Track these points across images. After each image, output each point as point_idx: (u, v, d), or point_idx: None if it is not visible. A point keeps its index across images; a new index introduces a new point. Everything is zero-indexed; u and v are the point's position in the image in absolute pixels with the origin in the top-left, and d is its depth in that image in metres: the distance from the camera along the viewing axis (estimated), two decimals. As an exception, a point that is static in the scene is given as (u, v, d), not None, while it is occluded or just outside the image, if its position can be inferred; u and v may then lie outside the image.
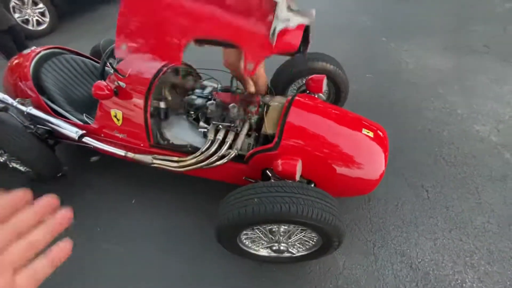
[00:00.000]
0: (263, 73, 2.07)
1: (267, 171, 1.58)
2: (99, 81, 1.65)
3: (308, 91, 1.99)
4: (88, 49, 2.69)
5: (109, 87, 1.65)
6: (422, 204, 1.84)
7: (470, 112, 2.45)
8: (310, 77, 1.92)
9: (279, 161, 1.40)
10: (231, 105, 1.57)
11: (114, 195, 2.08)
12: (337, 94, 2.18)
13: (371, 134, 1.57)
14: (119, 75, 1.67)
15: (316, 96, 1.93)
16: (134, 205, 2.02)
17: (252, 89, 2.05)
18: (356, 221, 1.78)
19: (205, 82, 2.00)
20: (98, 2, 5.24)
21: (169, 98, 1.83)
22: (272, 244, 1.42)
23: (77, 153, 2.42)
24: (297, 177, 1.36)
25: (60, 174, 2.22)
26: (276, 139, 1.53)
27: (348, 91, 2.18)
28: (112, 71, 1.61)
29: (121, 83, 1.68)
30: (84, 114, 2.01)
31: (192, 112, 1.75)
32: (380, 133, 1.61)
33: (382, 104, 2.62)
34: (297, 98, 1.70)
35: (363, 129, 1.58)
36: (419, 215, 1.78)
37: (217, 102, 1.64)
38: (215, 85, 1.95)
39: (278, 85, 2.18)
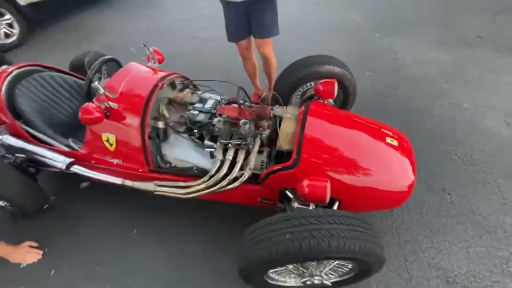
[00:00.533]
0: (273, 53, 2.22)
1: (287, 192, 1.42)
2: (86, 103, 1.43)
3: (316, 97, 1.85)
4: (64, 62, 2.43)
5: (99, 110, 1.44)
6: (447, 209, 1.74)
7: (477, 107, 2.39)
8: (319, 82, 1.78)
9: (305, 183, 1.24)
10: (242, 121, 1.40)
11: (112, 226, 1.86)
12: (345, 97, 2.06)
13: (395, 142, 1.45)
14: (109, 95, 1.46)
15: (326, 103, 1.80)
16: (135, 236, 1.81)
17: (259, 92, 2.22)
18: (382, 234, 1.66)
19: (205, 95, 1.82)
20: (72, 8, 4.86)
21: (167, 115, 1.64)
22: (305, 278, 1.27)
23: (64, 179, 2.17)
24: (327, 200, 1.21)
25: (46, 205, 1.97)
26: (294, 155, 1.37)
27: (357, 93, 2.06)
28: (101, 90, 1.40)
29: (112, 104, 1.47)
30: (70, 139, 1.77)
31: (196, 131, 1.56)
32: (404, 141, 1.49)
33: (387, 104, 2.53)
34: (312, 106, 1.56)
35: (387, 137, 1.46)
36: (446, 222, 1.68)
37: (224, 119, 1.47)
38: (218, 98, 1.78)
39: (280, 93, 2.01)
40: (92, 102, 1.50)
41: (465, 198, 1.79)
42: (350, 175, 1.36)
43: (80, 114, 1.41)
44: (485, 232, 1.63)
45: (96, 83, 1.39)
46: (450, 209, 1.74)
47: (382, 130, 1.51)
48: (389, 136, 1.47)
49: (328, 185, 1.22)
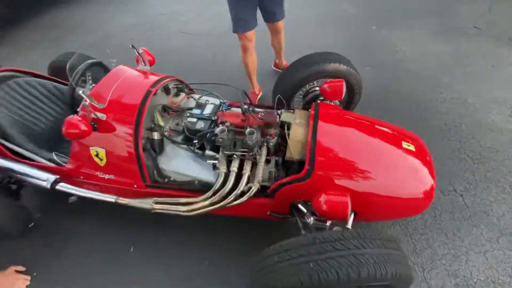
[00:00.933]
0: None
1: (299, 205, 1.31)
2: (70, 116, 1.27)
3: (321, 99, 1.73)
4: (41, 64, 2.21)
5: (85, 122, 1.28)
6: (461, 211, 1.68)
7: (481, 101, 2.34)
8: (325, 81, 1.66)
9: (323, 199, 1.14)
10: (249, 130, 1.27)
11: (107, 244, 1.71)
12: (350, 97, 1.94)
13: (412, 147, 1.35)
14: (96, 105, 1.29)
15: (333, 104, 1.69)
16: (133, 254, 1.67)
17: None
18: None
19: (202, 99, 1.67)
20: (49, 2, 4.47)
21: (162, 124, 1.49)
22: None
23: (50, 194, 1.97)
24: (348, 218, 1.11)
25: (31, 224, 1.79)
26: (306, 166, 1.26)
27: (362, 92, 1.95)
28: (86, 100, 1.23)
29: (100, 115, 1.31)
30: (53, 153, 1.59)
31: (196, 141, 1.42)
32: (420, 146, 1.40)
33: (390, 100, 2.44)
34: (321, 110, 1.44)
35: (403, 142, 1.36)
36: (461, 226, 1.62)
37: (228, 127, 1.33)
38: (216, 101, 1.63)
39: (281, 94, 1.87)
40: (77, 113, 1.33)
41: (478, 198, 1.73)
42: (366, 185, 1.26)
43: (63, 128, 1.24)
44: (501, 235, 1.57)
45: (81, 92, 1.22)
46: (464, 211, 1.68)
47: (397, 134, 1.42)
48: (405, 140, 1.37)
49: (349, 200, 1.12)
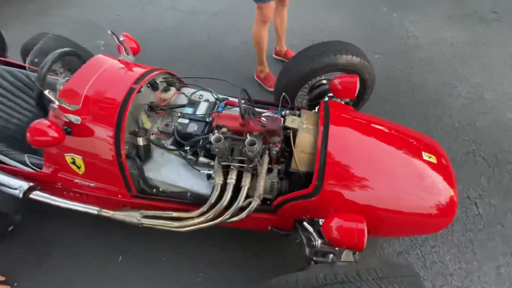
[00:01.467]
0: None
1: (305, 223, 1.17)
2: (37, 121, 1.07)
3: (330, 96, 1.54)
4: (19, 42, 1.93)
5: (55, 127, 1.08)
6: (474, 222, 1.57)
7: (498, 97, 2.17)
8: (336, 77, 1.46)
9: (335, 224, 0.99)
10: (249, 140, 1.10)
11: (93, 253, 1.58)
12: (361, 92, 1.74)
13: (433, 159, 1.20)
14: (67, 107, 1.09)
15: (344, 103, 1.51)
16: (121, 264, 1.55)
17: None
18: (405, 255, 1.48)
19: (195, 95, 1.46)
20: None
21: (149, 126, 1.30)
22: None
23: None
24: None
25: (11, 228, 1.65)
26: (315, 181, 1.10)
27: (374, 86, 1.76)
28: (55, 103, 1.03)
29: (74, 118, 1.11)
30: (25, 155, 1.40)
31: (188, 148, 1.24)
32: (442, 157, 1.24)
33: (401, 93, 2.26)
34: (332, 112, 1.25)
35: (423, 153, 1.20)
36: (474, 238, 1.52)
37: (225, 135, 1.15)
38: (211, 97, 1.44)
39: (284, 88, 1.66)
40: (48, 116, 1.13)
41: (492, 207, 1.62)
42: (382, 201, 1.12)
43: (28, 135, 1.05)
44: (516, 248, 1.48)
45: (47, 92, 1.01)
46: (477, 221, 1.57)
47: (417, 143, 1.25)
48: (426, 150, 1.22)
49: (365, 227, 0.97)
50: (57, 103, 1.03)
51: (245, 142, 1.09)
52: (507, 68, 2.38)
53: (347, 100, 1.58)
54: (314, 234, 1.12)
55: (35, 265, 1.56)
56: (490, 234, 1.53)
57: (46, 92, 1.00)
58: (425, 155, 1.20)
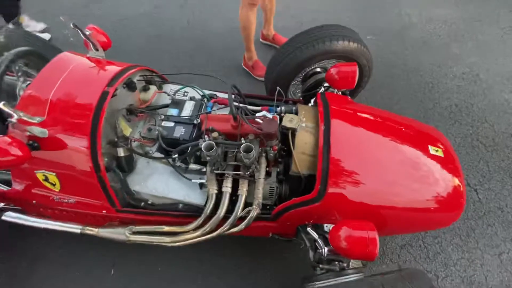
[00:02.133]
0: None
1: (309, 229, 1.09)
2: None
3: (326, 87, 1.43)
4: None
5: (18, 144, 0.93)
6: (475, 209, 1.55)
7: (493, 76, 2.12)
8: (334, 65, 1.35)
9: (343, 233, 0.91)
10: (244, 146, 0.98)
11: (82, 268, 1.47)
12: (358, 80, 1.62)
13: (440, 153, 1.13)
14: (29, 120, 0.93)
15: (341, 94, 1.40)
16: (114, 277, 1.45)
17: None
18: (408, 247, 1.45)
19: (178, 94, 1.32)
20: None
21: (129, 133, 1.16)
22: None
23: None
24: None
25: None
26: (318, 185, 1.01)
27: (372, 73, 1.65)
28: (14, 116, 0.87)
29: (38, 131, 0.95)
30: (-7, 170, 1.24)
31: (176, 156, 1.12)
32: (448, 150, 1.17)
33: (395, 77, 2.17)
34: (332, 107, 1.15)
35: (430, 147, 1.13)
36: (475, 225, 1.50)
37: (216, 140, 1.03)
38: (197, 95, 1.30)
39: (276, 80, 1.53)
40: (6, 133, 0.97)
41: (492, 193, 1.60)
42: (390, 199, 1.06)
43: None
44: (516, 233, 1.48)
45: (1, 104, 0.85)
46: (478, 208, 1.55)
47: (422, 136, 1.18)
48: (432, 144, 1.14)
49: (377, 236, 0.90)
50: (15, 116, 0.87)
51: (241, 149, 0.98)
52: (502, 45, 2.32)
53: (344, 89, 1.47)
54: (319, 241, 1.04)
55: (18, 285, 1.45)
56: (490, 221, 1.52)
57: (1, 104, 0.84)
58: (432, 149, 1.12)
